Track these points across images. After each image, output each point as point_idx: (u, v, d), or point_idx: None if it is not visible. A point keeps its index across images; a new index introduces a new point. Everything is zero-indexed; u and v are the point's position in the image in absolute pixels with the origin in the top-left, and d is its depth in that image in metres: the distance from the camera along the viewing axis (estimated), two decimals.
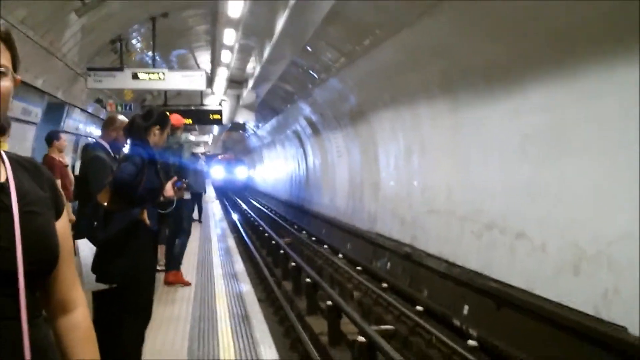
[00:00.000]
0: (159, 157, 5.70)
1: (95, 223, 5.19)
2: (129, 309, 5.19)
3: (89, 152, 6.97)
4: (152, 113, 5.73)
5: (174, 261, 10.09)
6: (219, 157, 65.30)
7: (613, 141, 7.58)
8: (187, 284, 10.03)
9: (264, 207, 41.12)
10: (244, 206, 41.78)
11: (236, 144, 63.07)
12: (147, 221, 5.39)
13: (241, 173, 63.36)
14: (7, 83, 1.77)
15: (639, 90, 6.92)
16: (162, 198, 5.81)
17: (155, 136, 5.57)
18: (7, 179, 1.82)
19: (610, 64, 7.46)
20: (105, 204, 5.21)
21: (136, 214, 5.24)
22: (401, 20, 11.42)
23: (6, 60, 1.79)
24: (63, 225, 2.00)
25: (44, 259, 1.84)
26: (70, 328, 2.03)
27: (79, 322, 2.06)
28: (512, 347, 9.06)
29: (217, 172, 60.95)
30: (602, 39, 7.50)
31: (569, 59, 8.20)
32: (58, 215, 1.98)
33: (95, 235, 5.19)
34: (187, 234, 10.51)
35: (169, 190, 5.79)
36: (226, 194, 55.22)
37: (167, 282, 9.85)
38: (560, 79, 8.49)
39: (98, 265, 5.20)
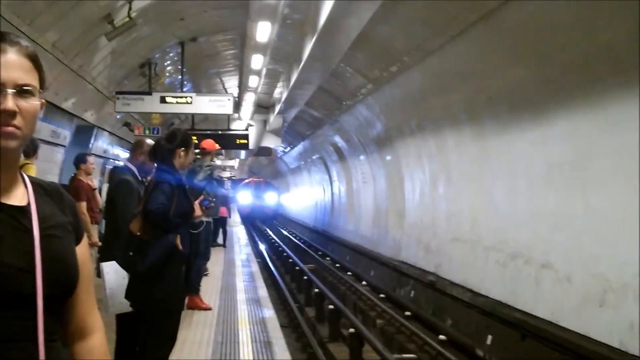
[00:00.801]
0: (188, 181, 5.73)
1: (131, 253, 5.20)
2: (156, 334, 5.20)
3: (116, 176, 6.99)
4: (176, 135, 5.74)
5: (191, 285, 10.06)
6: (247, 180, 60.05)
7: (639, 171, 7.51)
8: (207, 308, 10.00)
9: (292, 235, 38.33)
10: (274, 237, 37.08)
11: (264, 168, 59.73)
12: (180, 246, 5.42)
13: (271, 198, 57.17)
14: (34, 102, 1.77)
15: None
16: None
17: (181, 158, 5.58)
18: (28, 203, 1.83)
19: (635, 92, 7.42)
20: (139, 233, 5.23)
21: (172, 240, 5.25)
22: (428, 47, 11.44)
23: (34, 79, 1.81)
24: (83, 250, 2.01)
25: (63, 282, 1.84)
26: (86, 353, 2.03)
27: (95, 347, 2.05)
28: None
29: (244, 198, 55.87)
30: (628, 67, 7.46)
31: (594, 87, 8.16)
32: (78, 240, 1.99)
33: (133, 265, 5.21)
34: (205, 257, 10.48)
35: (197, 210, 5.79)
36: (253, 222, 50.40)
37: (188, 307, 9.84)
38: (586, 107, 8.45)
39: (133, 293, 5.23)
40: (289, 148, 36.26)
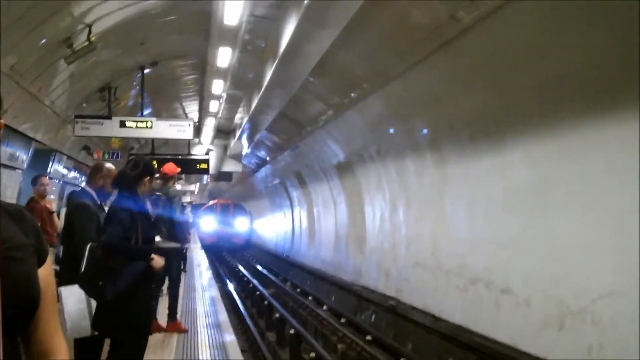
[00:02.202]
0: (155, 211, 5.76)
1: (101, 282, 5.17)
2: (121, 358, 5.19)
3: (74, 200, 6.93)
4: (139, 163, 5.76)
5: (171, 311, 10.10)
6: (210, 203, 49.62)
7: (598, 197, 7.63)
8: (185, 330, 10.05)
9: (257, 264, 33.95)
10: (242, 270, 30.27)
11: (233, 187, 49.41)
12: (159, 267, 5.49)
13: (242, 225, 45.83)
14: None
15: (625, 147, 7.02)
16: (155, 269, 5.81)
17: (145, 186, 5.60)
18: None
19: (595, 120, 7.55)
20: (106, 261, 5.21)
21: (141, 267, 5.24)
22: (388, 74, 11.53)
23: None
24: (46, 273, 1.99)
25: (23, 305, 1.83)
26: None
27: None
28: None
29: (207, 224, 45.29)
30: (587, 94, 7.60)
31: (552, 114, 8.30)
32: (41, 262, 1.97)
33: (102, 293, 5.17)
34: (177, 282, 10.47)
35: (159, 262, 5.74)
36: (220, 256, 40.95)
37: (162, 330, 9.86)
38: (545, 134, 8.58)
39: (102, 320, 5.20)
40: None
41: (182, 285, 15.62)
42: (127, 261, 5.19)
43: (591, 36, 7.05)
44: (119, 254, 5.19)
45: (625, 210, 7.10)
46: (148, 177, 5.64)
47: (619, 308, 7.08)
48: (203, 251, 29.55)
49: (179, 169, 10.85)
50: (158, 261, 5.68)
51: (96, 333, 5.35)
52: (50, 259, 2.04)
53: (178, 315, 10.29)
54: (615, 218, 7.26)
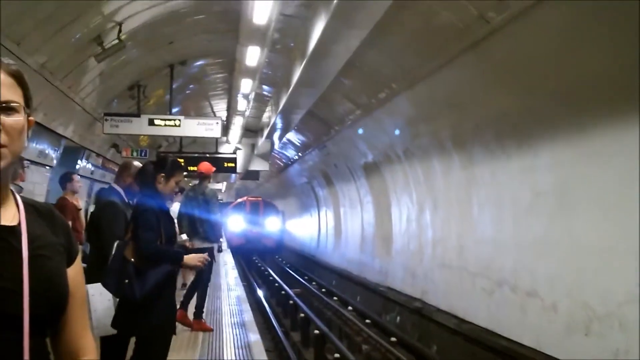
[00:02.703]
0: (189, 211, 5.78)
1: (127, 280, 5.19)
2: (144, 357, 5.21)
3: (103, 198, 6.98)
4: (164, 161, 5.75)
5: (198, 310, 10.16)
6: (239, 200, 45.51)
7: (620, 200, 7.57)
8: (209, 329, 10.09)
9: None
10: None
11: (260, 186, 47.28)
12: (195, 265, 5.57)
13: (273, 224, 41.94)
14: (19, 118, 1.77)
15: None
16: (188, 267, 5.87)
17: (167, 184, 5.58)
18: (19, 223, 1.83)
19: (618, 124, 7.50)
20: (133, 259, 5.23)
21: (168, 267, 5.27)
22: (416, 74, 11.50)
23: (18, 97, 1.80)
24: (76, 272, 2.00)
25: (52, 303, 1.83)
26: None
27: None
28: None
29: (234, 224, 41.07)
30: (611, 98, 7.54)
31: (576, 117, 8.25)
32: (71, 261, 1.98)
33: (130, 293, 5.19)
34: (207, 282, 10.52)
35: (194, 260, 5.78)
36: (249, 257, 38.50)
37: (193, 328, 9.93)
38: (569, 137, 8.54)
39: (125, 319, 5.22)
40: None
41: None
42: (152, 262, 5.21)
43: (617, 38, 6.98)
44: (157, 260, 5.22)
45: None
46: (163, 175, 5.60)
47: None
48: (230, 254, 27.06)
49: (214, 169, 10.89)
50: (193, 258, 5.71)
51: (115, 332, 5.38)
52: (79, 258, 2.06)
53: (203, 315, 10.33)
54: (637, 221, 7.21)
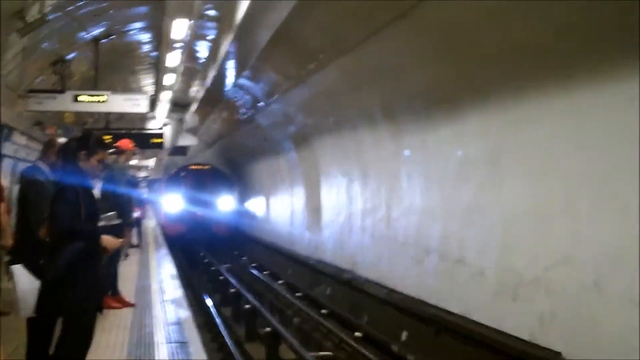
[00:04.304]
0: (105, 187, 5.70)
1: (42, 261, 5.13)
2: (70, 338, 5.16)
3: (27, 176, 6.87)
4: (87, 137, 5.69)
5: (113, 287, 10.08)
6: (178, 170, 33.71)
7: (549, 165, 7.74)
8: (130, 304, 10.02)
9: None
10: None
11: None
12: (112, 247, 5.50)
13: (226, 203, 31.53)
14: None
15: (571, 116, 7.17)
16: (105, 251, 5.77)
17: (90, 161, 5.49)
18: None
19: (542, 92, 7.66)
20: (47, 239, 5.17)
21: (81, 245, 5.19)
22: (344, 45, 11.46)
23: None
24: None
25: None
26: None
27: None
28: None
29: (172, 205, 31.14)
30: (535, 66, 7.68)
31: (505, 85, 8.36)
32: None
33: (43, 272, 5.14)
34: (117, 258, 10.42)
35: (110, 243, 5.71)
36: (191, 248, 29.10)
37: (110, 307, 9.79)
38: (498, 104, 8.66)
39: (46, 299, 5.15)
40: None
41: (137, 261, 15.65)
42: (67, 240, 5.14)
43: (545, 8, 7.07)
44: (72, 237, 5.14)
45: (574, 176, 7.27)
46: (94, 152, 5.52)
47: (571, 276, 7.22)
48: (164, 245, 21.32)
49: (133, 145, 10.80)
50: (110, 241, 5.63)
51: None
52: None
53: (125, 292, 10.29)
54: (564, 187, 7.40)
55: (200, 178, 31.60)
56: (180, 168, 33.42)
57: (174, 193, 31.04)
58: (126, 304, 10.05)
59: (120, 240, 5.94)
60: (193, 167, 32.86)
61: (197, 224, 29.51)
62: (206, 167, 32.72)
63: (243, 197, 31.34)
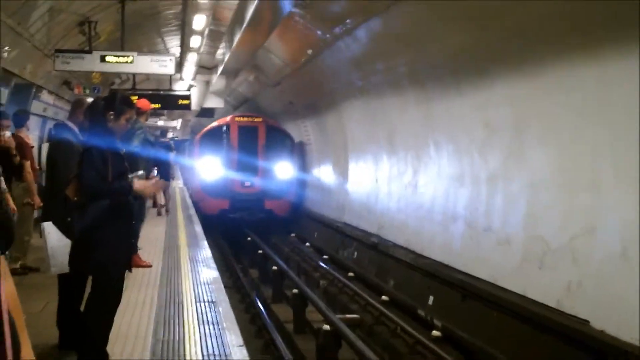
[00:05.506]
0: (123, 146, 5.61)
1: (69, 219, 5.14)
2: (100, 295, 5.18)
3: (56, 135, 6.87)
4: (114, 96, 5.63)
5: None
6: (218, 123, 24.78)
7: (576, 134, 7.66)
8: (148, 265, 10.02)
9: None
10: None
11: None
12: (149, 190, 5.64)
13: (283, 170, 22.96)
14: None
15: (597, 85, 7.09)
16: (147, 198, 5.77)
17: (110, 122, 5.42)
18: None
19: (570, 61, 7.57)
20: (75, 198, 5.17)
21: (106, 204, 5.17)
22: (371, 9, 11.31)
23: None
24: None
25: None
26: None
27: None
28: (476, 337, 9.10)
29: (209, 171, 22.93)
30: (563, 36, 7.58)
31: (532, 53, 8.28)
32: None
33: (71, 229, 5.15)
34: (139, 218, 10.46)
35: (147, 188, 5.69)
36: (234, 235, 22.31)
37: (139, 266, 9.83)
38: (523, 74, 8.61)
39: (76, 257, 5.18)
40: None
41: (164, 222, 15.71)
42: (93, 199, 5.13)
43: None
44: (98, 196, 5.13)
45: (599, 145, 7.21)
46: (122, 112, 5.45)
47: (598, 245, 7.17)
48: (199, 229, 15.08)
49: (151, 105, 10.73)
50: (144, 184, 5.59)
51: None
52: None
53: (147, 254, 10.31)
54: (589, 156, 7.33)
55: (249, 135, 23.17)
56: (220, 122, 24.66)
57: (212, 156, 23.05)
58: (143, 265, 10.03)
59: (153, 181, 5.90)
60: (239, 118, 24.04)
61: (244, 198, 22.44)
62: (258, 120, 23.75)
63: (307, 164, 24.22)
